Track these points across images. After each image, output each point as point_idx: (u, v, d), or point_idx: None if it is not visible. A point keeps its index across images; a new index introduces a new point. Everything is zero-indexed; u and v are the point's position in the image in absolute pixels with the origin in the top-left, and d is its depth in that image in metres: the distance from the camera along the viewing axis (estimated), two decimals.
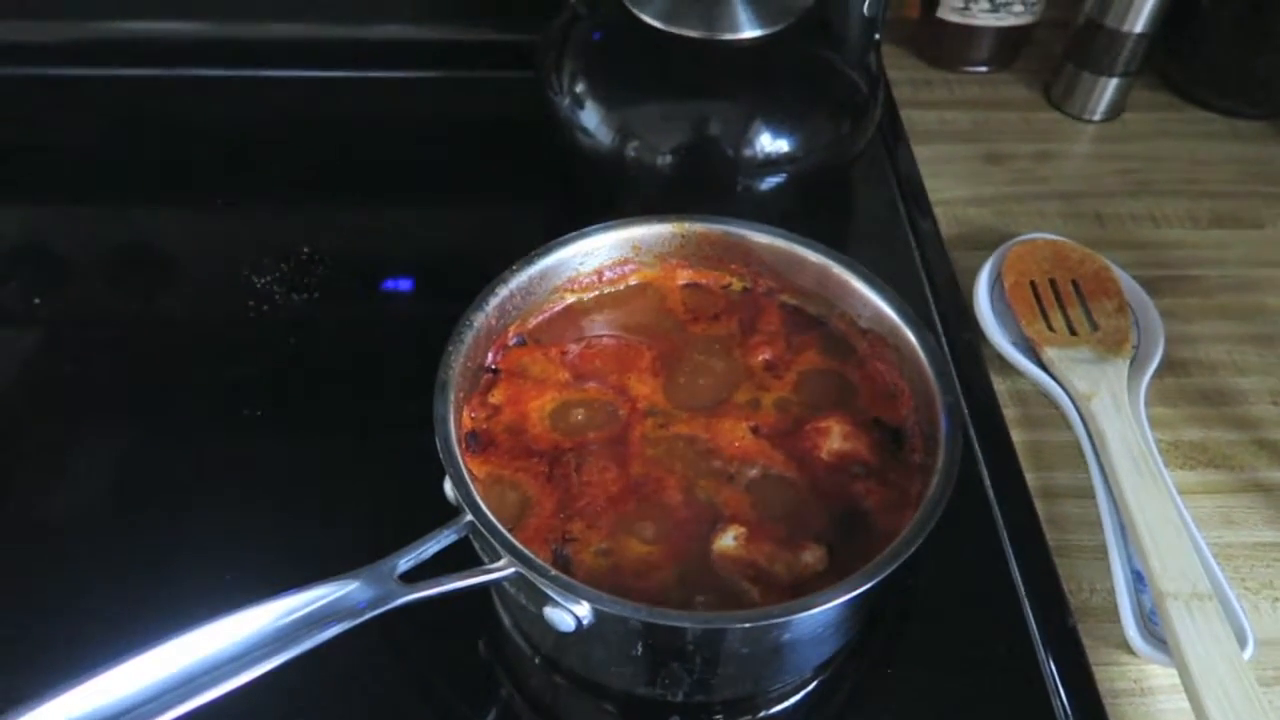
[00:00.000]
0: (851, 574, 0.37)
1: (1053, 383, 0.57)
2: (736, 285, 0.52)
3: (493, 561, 0.38)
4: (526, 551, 0.37)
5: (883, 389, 0.48)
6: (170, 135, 0.72)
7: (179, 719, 0.33)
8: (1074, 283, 0.61)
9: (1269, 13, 0.73)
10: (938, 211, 0.68)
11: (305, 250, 0.63)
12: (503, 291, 0.47)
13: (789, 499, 0.43)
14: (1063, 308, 0.60)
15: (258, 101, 0.75)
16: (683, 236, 0.51)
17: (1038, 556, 0.50)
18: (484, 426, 0.45)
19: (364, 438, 0.53)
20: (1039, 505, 0.52)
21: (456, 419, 0.42)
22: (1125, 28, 0.71)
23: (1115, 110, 0.77)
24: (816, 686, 0.46)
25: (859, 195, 0.70)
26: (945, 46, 0.80)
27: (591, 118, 0.60)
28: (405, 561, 0.38)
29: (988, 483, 0.52)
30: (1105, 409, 0.54)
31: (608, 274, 0.51)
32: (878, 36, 0.64)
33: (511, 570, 0.37)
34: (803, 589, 0.40)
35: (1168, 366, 0.59)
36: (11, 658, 0.45)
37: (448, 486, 0.40)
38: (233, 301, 0.60)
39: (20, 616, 0.46)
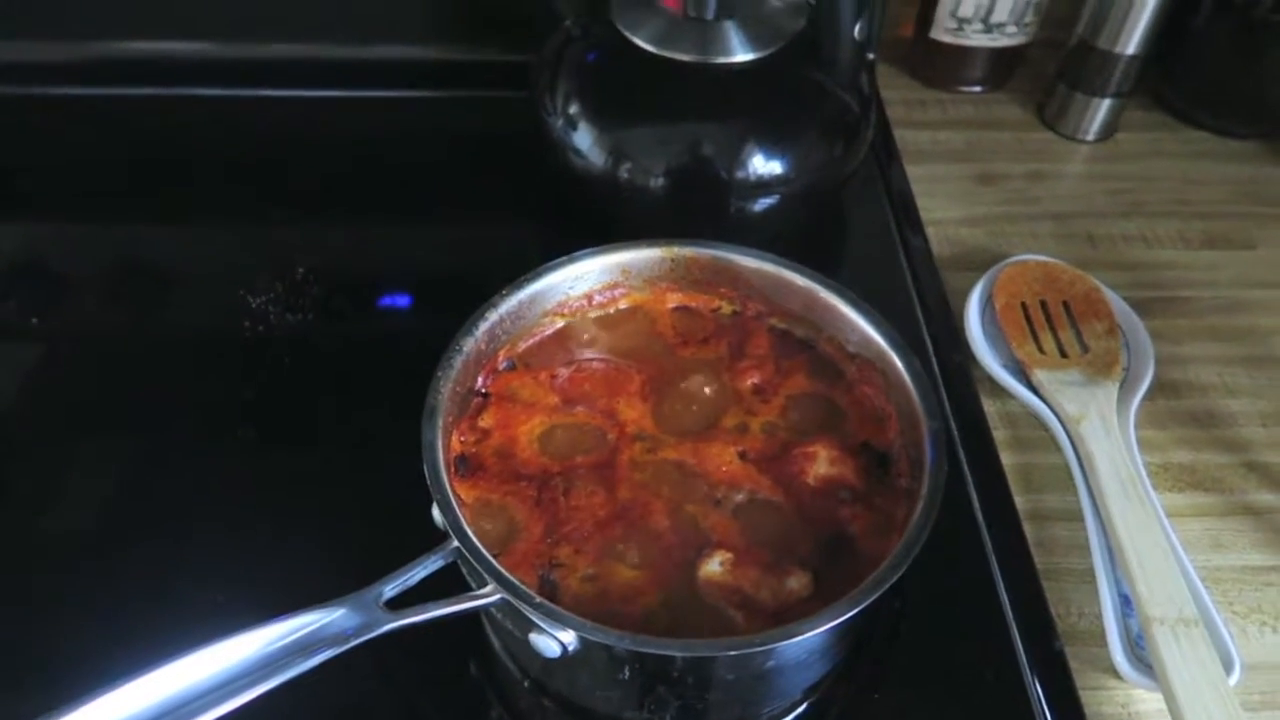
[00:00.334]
0: (836, 599, 0.38)
1: (1042, 405, 0.57)
2: (726, 309, 0.52)
3: (480, 587, 0.39)
4: (512, 578, 0.38)
5: (870, 413, 0.48)
6: (167, 154, 0.73)
7: None
8: (1065, 304, 0.62)
9: (1262, 33, 0.73)
10: (930, 231, 0.69)
11: (300, 270, 0.63)
12: (492, 316, 0.47)
13: (775, 524, 0.43)
14: (1053, 329, 0.60)
15: (254, 120, 0.76)
16: (672, 260, 0.51)
17: (1026, 580, 0.50)
18: (473, 450, 0.46)
19: (358, 459, 0.54)
20: (1028, 528, 0.52)
21: (445, 444, 0.43)
22: (1118, 49, 0.72)
23: (1108, 131, 0.77)
24: (806, 709, 0.46)
25: (852, 215, 0.70)
26: (939, 67, 0.81)
27: (584, 139, 0.61)
28: (391, 588, 0.38)
29: (976, 505, 0.53)
30: (1094, 432, 0.54)
31: (597, 298, 0.51)
32: (871, 56, 0.64)
33: (497, 597, 0.38)
34: (787, 615, 0.40)
35: (1158, 388, 0.59)
36: (1, 679, 0.45)
37: (435, 512, 0.40)
38: (228, 321, 0.61)
39: (11, 637, 0.47)
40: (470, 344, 0.46)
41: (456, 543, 0.38)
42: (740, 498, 0.44)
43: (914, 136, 0.77)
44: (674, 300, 0.52)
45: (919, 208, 0.70)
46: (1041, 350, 0.59)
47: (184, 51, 0.76)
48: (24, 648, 0.46)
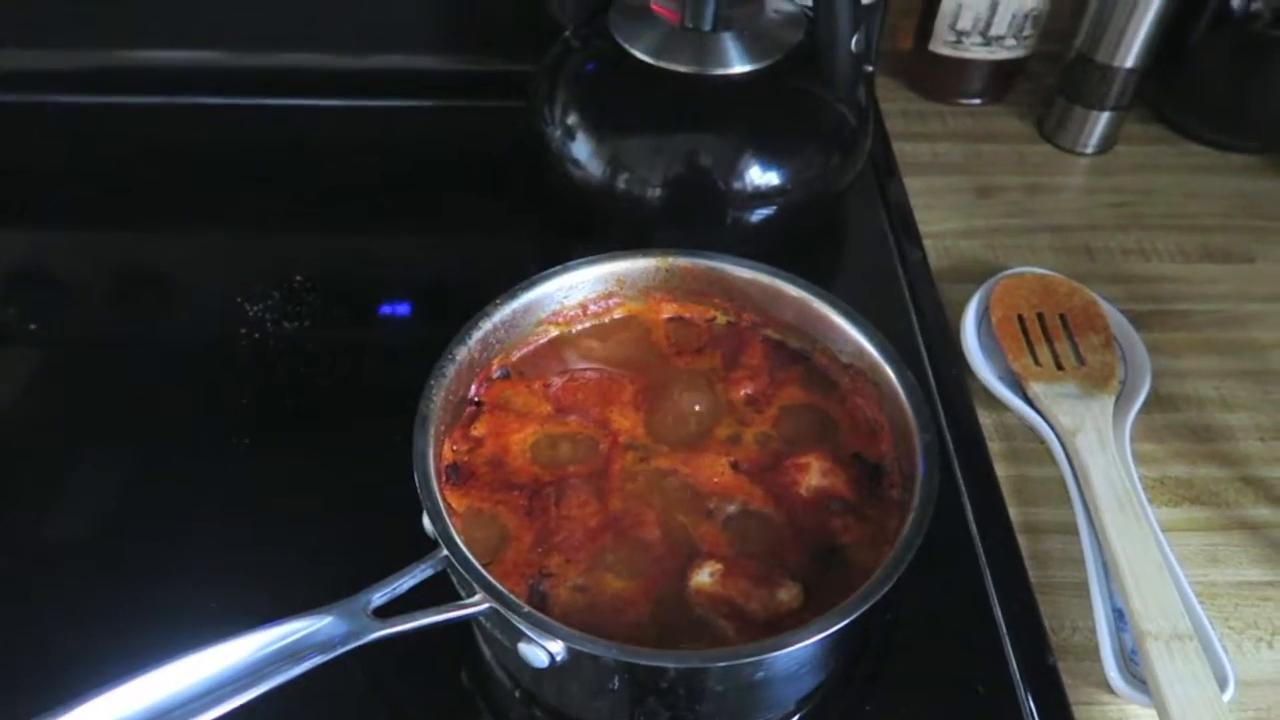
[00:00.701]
0: (827, 610, 0.38)
1: (1038, 418, 0.57)
2: (721, 319, 0.52)
3: (469, 596, 0.39)
4: (500, 588, 0.37)
5: (864, 424, 0.48)
6: (166, 162, 0.73)
7: None
8: (1061, 317, 0.62)
9: (1260, 47, 0.73)
10: (928, 244, 0.69)
11: (298, 278, 0.64)
12: (486, 325, 0.47)
13: (766, 535, 0.43)
14: (1049, 342, 0.60)
15: (253, 129, 0.76)
16: (666, 270, 0.51)
17: (1019, 593, 0.49)
18: (465, 459, 0.46)
19: (352, 467, 0.53)
20: (1022, 541, 0.52)
21: (437, 452, 0.43)
22: (1116, 62, 0.72)
23: (1107, 143, 0.77)
24: None
25: (850, 226, 0.70)
26: (938, 79, 0.81)
27: (583, 149, 0.61)
28: (380, 596, 0.38)
29: (971, 517, 0.52)
30: (1090, 445, 0.54)
31: (592, 307, 0.51)
32: (870, 69, 0.64)
33: (485, 606, 0.37)
34: (778, 626, 0.40)
35: (1155, 401, 0.59)
36: None
37: (426, 520, 0.40)
38: (225, 329, 0.61)
39: (9, 639, 0.47)
40: (464, 352, 0.46)
41: (446, 551, 0.38)
42: (732, 508, 0.44)
43: (913, 149, 0.77)
44: (668, 310, 0.52)
45: (917, 220, 0.70)
46: (1038, 362, 0.59)
47: (183, 61, 0.76)
48: (20, 650, 0.46)
